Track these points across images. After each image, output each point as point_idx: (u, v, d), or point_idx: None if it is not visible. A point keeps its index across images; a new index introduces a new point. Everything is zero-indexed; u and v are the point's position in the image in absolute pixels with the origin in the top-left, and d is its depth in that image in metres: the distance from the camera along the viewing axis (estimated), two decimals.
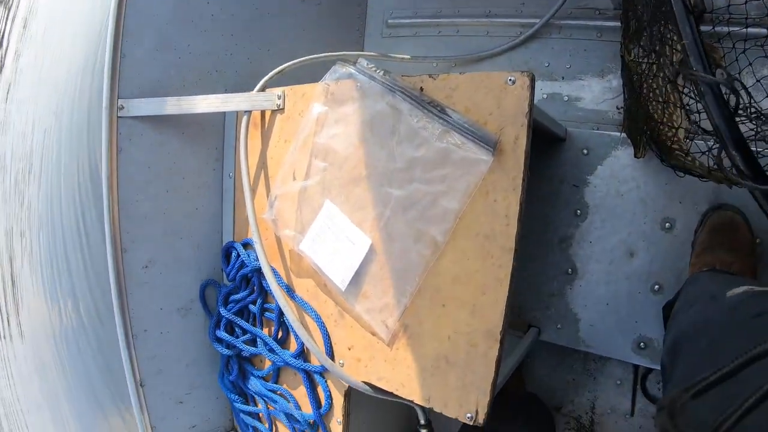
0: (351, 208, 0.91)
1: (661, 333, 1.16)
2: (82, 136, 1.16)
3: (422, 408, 0.89)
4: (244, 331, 1.15)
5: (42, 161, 1.30)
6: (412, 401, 0.88)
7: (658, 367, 1.18)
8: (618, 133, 1.20)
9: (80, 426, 1.45)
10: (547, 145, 1.27)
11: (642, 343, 1.19)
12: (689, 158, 1.02)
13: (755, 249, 1.10)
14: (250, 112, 1.11)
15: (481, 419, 0.80)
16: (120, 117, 1.08)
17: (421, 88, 0.84)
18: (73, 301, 1.28)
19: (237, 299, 1.15)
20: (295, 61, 1.11)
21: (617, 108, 1.29)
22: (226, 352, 1.18)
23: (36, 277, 1.43)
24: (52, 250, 1.28)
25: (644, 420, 1.34)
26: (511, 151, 0.76)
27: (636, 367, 1.33)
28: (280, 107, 1.06)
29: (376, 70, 0.88)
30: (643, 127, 1.08)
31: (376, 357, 0.91)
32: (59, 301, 1.31)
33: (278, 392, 1.13)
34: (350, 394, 1.02)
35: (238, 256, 1.15)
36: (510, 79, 0.75)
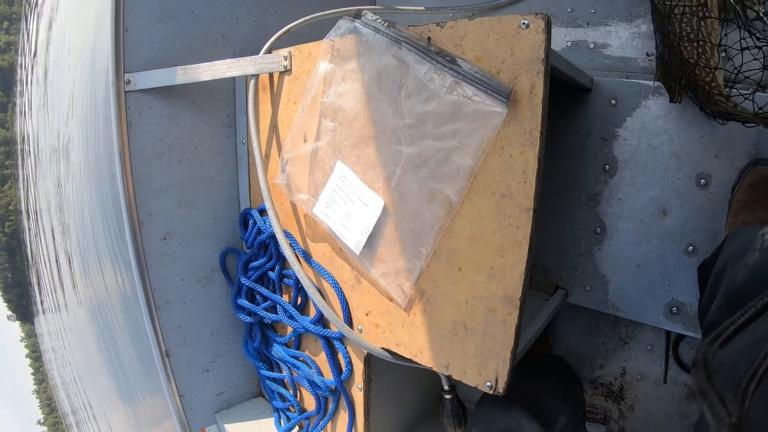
0: (363, 168, 0.87)
1: (695, 297, 1.10)
2: (98, 116, 1.16)
3: (446, 375, 0.86)
4: (265, 298, 1.15)
5: (72, 144, 1.32)
6: (431, 368, 0.86)
7: (691, 334, 1.12)
8: (649, 82, 1.11)
9: (119, 396, 1.50)
10: (571, 97, 1.20)
11: (674, 308, 1.13)
12: (731, 103, 0.94)
13: None
14: (257, 75, 1.08)
15: (501, 388, 0.77)
16: (127, 91, 1.07)
17: (429, 38, 0.79)
18: (102, 277, 1.30)
19: (256, 266, 1.14)
20: (301, 20, 1.07)
21: (647, 55, 1.20)
22: (248, 319, 1.18)
23: (74, 255, 1.46)
24: (83, 229, 1.31)
25: (676, 388, 1.29)
26: (527, 102, 0.70)
27: (668, 332, 1.27)
28: (287, 69, 1.03)
29: (380, 23, 0.83)
30: (678, 74, 1.00)
31: (393, 323, 0.89)
32: (91, 277, 1.34)
33: (300, 358, 1.13)
34: (370, 360, 1.01)
35: (255, 223, 1.13)
36: (523, 23, 0.69)
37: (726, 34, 0.90)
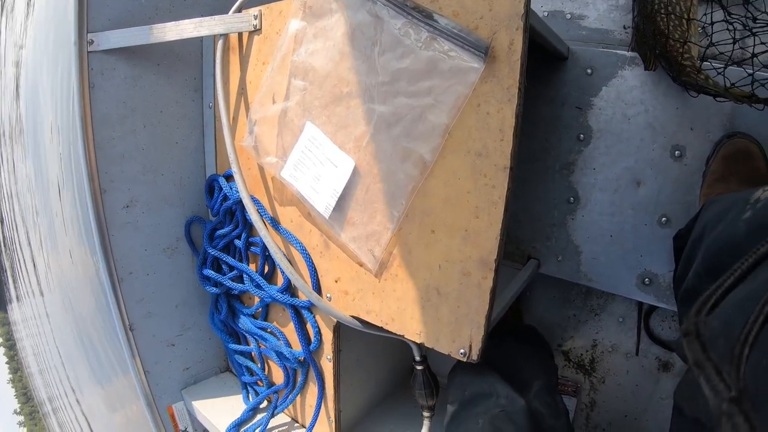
0: (333, 129, 0.84)
1: (667, 269, 1.10)
2: (56, 79, 1.10)
3: (416, 343, 0.84)
4: (231, 268, 1.11)
5: (28, 119, 1.26)
6: (402, 336, 0.83)
7: (663, 305, 1.13)
8: (626, 52, 1.10)
9: (94, 379, 1.45)
10: (547, 64, 1.18)
11: (647, 279, 1.13)
12: (702, 75, 0.94)
13: None
14: (226, 35, 1.03)
15: (475, 355, 0.75)
16: (90, 52, 1.02)
17: None
18: (70, 255, 1.25)
19: (222, 234, 1.10)
20: None
21: (624, 27, 1.19)
22: (214, 290, 1.14)
23: (45, 236, 1.40)
24: (46, 202, 1.25)
25: (647, 360, 1.30)
26: (505, 58, 0.68)
27: (640, 304, 1.28)
28: (257, 28, 0.98)
29: None
30: (652, 43, 0.99)
31: (364, 289, 0.86)
32: (60, 256, 1.29)
33: (268, 330, 1.10)
34: (339, 329, 0.99)
35: (221, 189, 1.09)
36: None
37: (709, 13, 0.89)
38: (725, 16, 0.86)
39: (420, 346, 0.91)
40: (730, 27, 0.86)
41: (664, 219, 1.10)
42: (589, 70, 1.13)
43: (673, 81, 1.02)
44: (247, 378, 1.20)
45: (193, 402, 1.22)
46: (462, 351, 0.76)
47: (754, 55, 0.84)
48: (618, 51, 1.11)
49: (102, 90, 1.04)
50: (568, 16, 1.25)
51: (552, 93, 1.18)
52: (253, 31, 0.99)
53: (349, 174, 0.82)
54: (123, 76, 1.07)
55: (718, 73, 0.91)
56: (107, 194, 1.07)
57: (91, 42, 1.01)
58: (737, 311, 0.45)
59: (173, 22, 1.00)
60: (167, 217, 1.17)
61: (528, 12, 0.66)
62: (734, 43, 0.88)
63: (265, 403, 1.19)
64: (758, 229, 0.67)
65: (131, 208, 1.11)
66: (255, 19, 0.98)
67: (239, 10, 1.02)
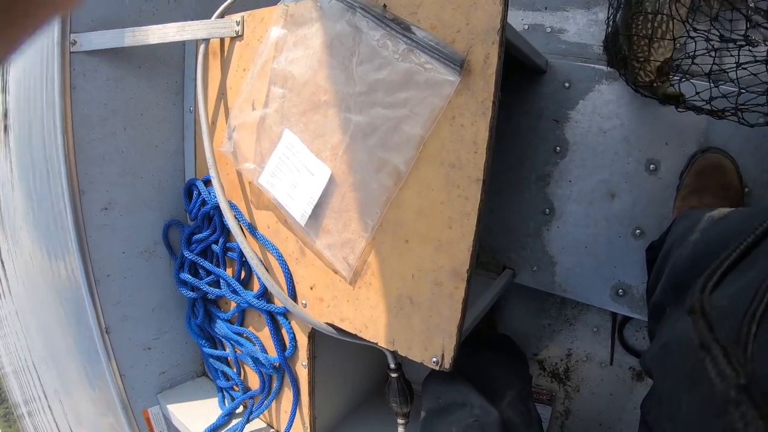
0: (310, 137, 0.85)
1: (641, 280, 1.12)
2: (37, 78, 1.09)
3: (391, 351, 0.85)
4: (208, 273, 1.11)
5: (13, 115, 1.25)
6: (376, 344, 0.84)
7: (636, 316, 1.15)
8: (603, 67, 1.12)
9: (61, 377, 1.43)
10: (525, 77, 1.20)
11: (621, 290, 1.15)
12: (651, 78, 0.94)
13: (743, 197, 1.04)
14: (207, 40, 1.03)
15: (447, 364, 0.76)
16: (73, 52, 1.01)
17: (384, 5, 0.77)
18: (46, 251, 1.23)
19: (200, 239, 1.10)
20: None
21: (603, 43, 1.21)
22: (191, 294, 1.14)
23: (18, 233, 1.38)
24: (29, 201, 1.24)
25: (621, 370, 1.32)
26: (480, 72, 0.69)
27: (614, 314, 1.30)
28: (239, 34, 0.99)
29: None
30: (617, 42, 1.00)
31: (338, 297, 0.87)
32: (40, 252, 1.27)
33: (244, 335, 1.10)
34: (314, 336, 0.99)
35: (200, 194, 1.09)
36: None
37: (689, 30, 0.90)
38: (687, 27, 0.86)
39: (394, 353, 0.92)
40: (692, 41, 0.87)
41: (638, 231, 1.12)
42: (566, 84, 1.15)
43: (626, 83, 1.02)
44: (222, 383, 1.20)
45: (168, 406, 1.21)
46: (434, 359, 0.77)
47: (709, 73, 0.84)
48: (596, 65, 1.13)
49: (83, 91, 1.04)
50: (548, 30, 1.27)
51: (529, 105, 1.20)
52: (235, 37, 1.00)
53: (326, 182, 0.82)
54: (105, 77, 1.07)
55: (671, 85, 0.93)
56: (86, 195, 1.06)
57: (74, 42, 1.01)
58: (744, 287, 0.41)
59: (156, 26, 1.00)
60: (145, 221, 1.17)
61: (504, 27, 0.67)
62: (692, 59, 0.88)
63: (240, 409, 1.19)
64: (703, 251, 0.69)
65: (109, 211, 1.11)
66: (237, 25, 0.98)
67: (222, 15, 1.02)
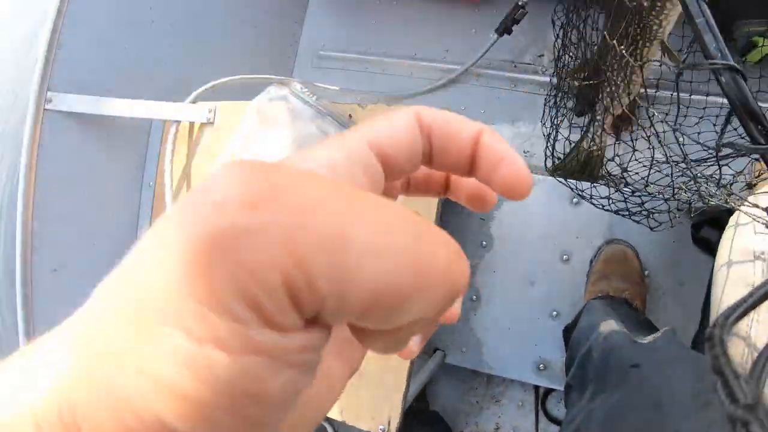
0: None
1: (559, 356, 1.27)
2: (8, 128, 1.09)
3: (330, 422, 0.91)
4: None
5: None
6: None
7: (558, 387, 1.29)
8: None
9: None
10: None
11: (542, 365, 1.29)
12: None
13: (644, 279, 1.24)
14: (179, 122, 1.10)
15: (393, 431, 0.83)
16: (47, 109, 1.03)
17: (350, 116, 0.90)
18: None
19: None
20: (229, 78, 1.12)
21: (524, 152, 1.42)
22: None
23: None
24: None
25: None
26: None
27: (537, 388, 1.42)
28: (210, 121, 1.07)
29: (309, 95, 0.93)
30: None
31: None
32: None
33: None
34: None
35: None
36: None
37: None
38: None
39: (332, 423, 0.97)
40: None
41: (554, 313, 1.28)
42: None
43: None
44: None
45: None
46: (381, 427, 0.84)
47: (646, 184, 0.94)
48: None
49: (50, 150, 1.04)
50: None
51: (459, 205, 1.36)
52: (205, 123, 1.08)
53: None
54: (73, 140, 1.09)
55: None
56: (37, 253, 1.04)
57: (50, 100, 1.03)
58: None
59: (136, 101, 1.05)
60: (95, 287, 1.16)
61: None
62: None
63: None
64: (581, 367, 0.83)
65: (59, 272, 1.09)
66: (210, 112, 1.06)
67: (195, 101, 1.08)
